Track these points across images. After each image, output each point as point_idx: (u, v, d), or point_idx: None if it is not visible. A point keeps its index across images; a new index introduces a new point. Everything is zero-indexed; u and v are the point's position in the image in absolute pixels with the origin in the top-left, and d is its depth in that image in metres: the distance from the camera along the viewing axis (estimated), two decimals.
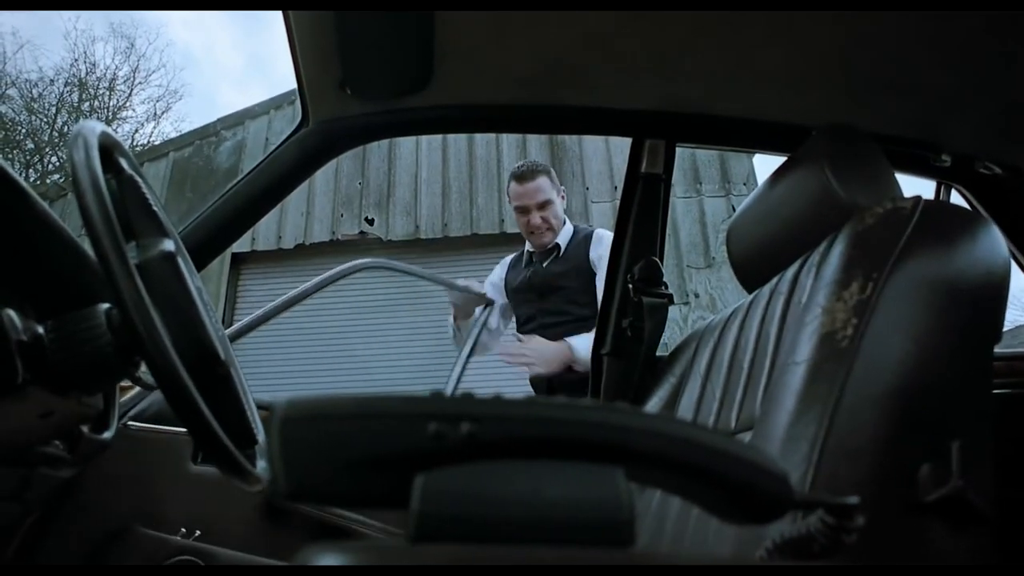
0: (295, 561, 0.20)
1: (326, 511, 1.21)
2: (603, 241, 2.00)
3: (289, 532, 1.20)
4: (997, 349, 0.70)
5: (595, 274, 1.98)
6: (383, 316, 5.54)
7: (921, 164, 1.27)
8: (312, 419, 0.24)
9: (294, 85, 1.11)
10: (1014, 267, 1.16)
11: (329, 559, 0.20)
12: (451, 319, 2.20)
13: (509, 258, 2.25)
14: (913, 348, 0.61)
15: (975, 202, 1.34)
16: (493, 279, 2.24)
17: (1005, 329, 0.72)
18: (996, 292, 0.68)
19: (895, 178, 0.86)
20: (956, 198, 1.36)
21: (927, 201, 0.71)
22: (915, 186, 1.39)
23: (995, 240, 0.70)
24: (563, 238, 2.08)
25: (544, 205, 2.03)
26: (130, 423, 1.17)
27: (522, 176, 2.05)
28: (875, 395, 0.59)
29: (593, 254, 2.01)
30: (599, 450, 0.24)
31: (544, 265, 2.07)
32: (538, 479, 0.23)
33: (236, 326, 1.33)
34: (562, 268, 2.04)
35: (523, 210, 2.05)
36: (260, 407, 0.77)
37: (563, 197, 2.12)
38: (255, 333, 1.41)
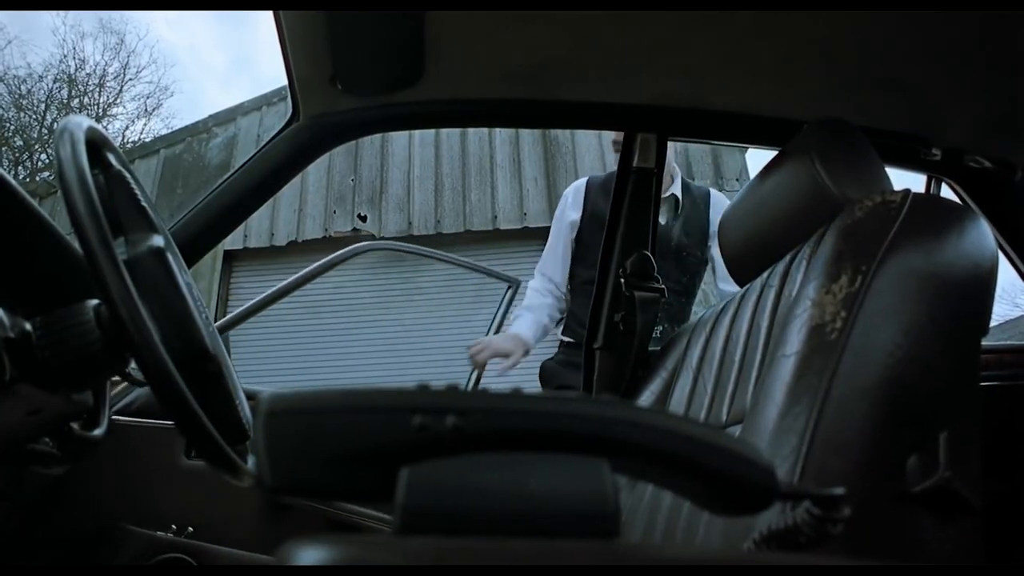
0: (279, 554, 0.20)
1: (332, 506, 1.20)
2: (723, 205, 1.78)
3: (285, 527, 1.20)
4: (985, 342, 0.70)
5: (709, 242, 1.82)
6: (375, 310, 5.54)
7: (911, 158, 1.28)
8: (296, 413, 0.24)
9: (281, 83, 1.11)
10: (1002, 261, 1.16)
11: (311, 552, 0.19)
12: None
13: (588, 182, 1.94)
14: (901, 340, 0.61)
15: (964, 196, 1.35)
16: (567, 212, 1.91)
17: (993, 324, 0.73)
18: (984, 285, 0.68)
19: (885, 172, 0.86)
20: (946, 192, 1.37)
21: (916, 195, 0.71)
22: (906, 180, 1.39)
23: (983, 234, 0.71)
24: (676, 189, 1.84)
25: None
26: (115, 417, 1.16)
27: None
28: (863, 387, 0.59)
29: (715, 218, 1.81)
30: (584, 442, 0.24)
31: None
32: (523, 471, 0.23)
33: (227, 317, 1.32)
34: (680, 227, 1.80)
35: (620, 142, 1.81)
36: (249, 396, 0.76)
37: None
38: (248, 325, 1.40)
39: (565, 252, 1.93)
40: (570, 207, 1.91)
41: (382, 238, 5.87)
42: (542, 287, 1.97)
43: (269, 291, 1.42)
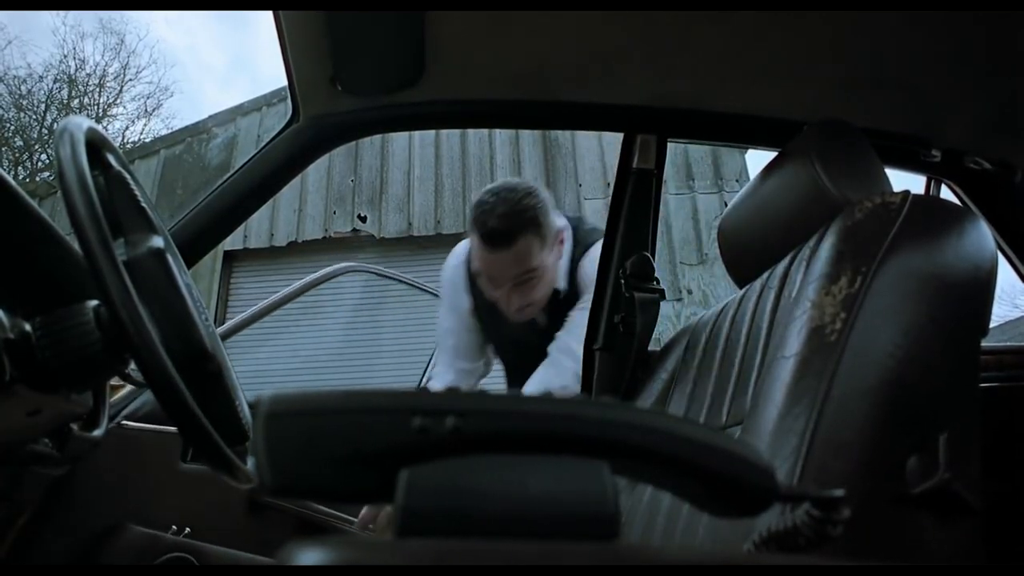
0: (278, 557, 0.20)
1: (309, 508, 1.21)
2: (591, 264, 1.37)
3: (278, 529, 1.20)
4: (985, 343, 0.70)
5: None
6: (370, 313, 5.54)
7: (911, 159, 1.28)
8: (297, 414, 0.24)
9: (280, 83, 1.11)
10: (1001, 262, 1.16)
11: (312, 554, 0.20)
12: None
13: (462, 264, 1.49)
14: (901, 342, 0.61)
15: (964, 197, 1.35)
16: (459, 297, 1.50)
17: (993, 325, 0.73)
18: (983, 286, 0.68)
19: (885, 173, 0.86)
20: (946, 193, 1.37)
21: (915, 196, 0.71)
22: (907, 181, 1.39)
23: (983, 235, 0.71)
24: (561, 283, 1.42)
25: (526, 279, 1.31)
26: (123, 422, 1.17)
27: (492, 237, 1.27)
28: (863, 388, 0.59)
29: (582, 283, 1.41)
30: (584, 444, 0.24)
31: (523, 322, 1.43)
32: (523, 473, 0.23)
33: (224, 327, 1.33)
34: (553, 321, 1.43)
35: (492, 280, 1.34)
36: (251, 406, 0.76)
37: (561, 242, 1.38)
38: (243, 332, 1.41)
39: (472, 336, 1.53)
40: (458, 291, 1.51)
41: (382, 239, 5.87)
42: (446, 374, 1.49)
43: (266, 301, 1.44)
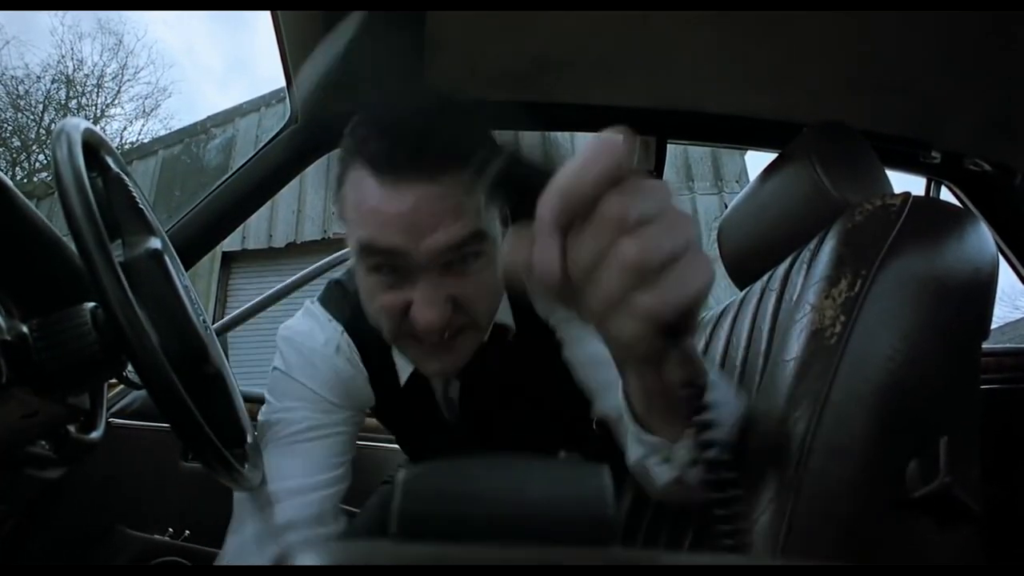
0: (277, 561, 0.20)
1: None
2: None
3: None
4: (985, 345, 0.70)
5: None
6: None
7: (911, 161, 1.28)
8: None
9: (279, 83, 1.11)
10: (1002, 264, 1.16)
11: (311, 558, 0.19)
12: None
13: (334, 337, 0.85)
14: (901, 345, 0.61)
15: (964, 199, 1.35)
16: (306, 383, 0.82)
17: (994, 326, 0.73)
18: (984, 289, 0.68)
19: (885, 174, 0.86)
20: (946, 195, 1.37)
21: (916, 198, 0.71)
22: (908, 183, 1.39)
23: (983, 237, 0.71)
24: (505, 314, 0.81)
25: (467, 253, 0.66)
26: (112, 420, 1.16)
27: (406, 154, 0.63)
28: (863, 392, 0.59)
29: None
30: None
31: (460, 390, 0.86)
32: (522, 477, 0.23)
33: (225, 319, 1.32)
34: (515, 374, 0.83)
35: (396, 260, 0.66)
36: (247, 400, 0.76)
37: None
38: (244, 327, 1.40)
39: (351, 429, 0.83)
40: (337, 375, 0.84)
41: None
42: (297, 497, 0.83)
43: (267, 293, 1.42)
